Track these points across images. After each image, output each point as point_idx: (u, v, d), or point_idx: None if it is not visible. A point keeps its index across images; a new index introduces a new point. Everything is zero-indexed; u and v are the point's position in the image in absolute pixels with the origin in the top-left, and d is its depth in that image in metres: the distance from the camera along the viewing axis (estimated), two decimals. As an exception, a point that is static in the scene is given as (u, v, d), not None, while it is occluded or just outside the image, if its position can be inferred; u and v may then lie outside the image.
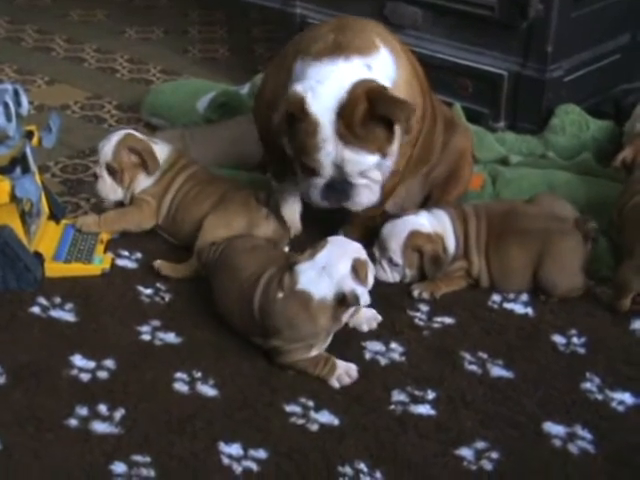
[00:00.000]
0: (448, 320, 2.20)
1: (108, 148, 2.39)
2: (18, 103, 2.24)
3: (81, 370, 1.99)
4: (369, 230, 2.43)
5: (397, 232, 2.27)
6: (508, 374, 2.04)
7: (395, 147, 2.14)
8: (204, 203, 2.36)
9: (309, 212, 2.47)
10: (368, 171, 2.12)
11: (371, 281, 1.98)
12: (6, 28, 4.07)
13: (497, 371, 2.04)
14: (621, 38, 3.20)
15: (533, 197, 2.44)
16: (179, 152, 2.49)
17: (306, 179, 2.16)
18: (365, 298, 1.89)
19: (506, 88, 2.97)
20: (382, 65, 2.16)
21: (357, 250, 1.98)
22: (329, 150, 2.07)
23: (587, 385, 2.01)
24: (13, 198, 2.16)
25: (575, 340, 2.15)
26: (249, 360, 2.04)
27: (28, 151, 2.30)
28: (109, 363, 2.01)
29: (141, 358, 2.03)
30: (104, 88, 3.47)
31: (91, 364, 2.01)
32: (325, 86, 2.06)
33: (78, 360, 2.02)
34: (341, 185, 2.13)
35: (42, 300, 2.20)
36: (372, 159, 2.09)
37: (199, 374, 1.99)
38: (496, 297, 2.29)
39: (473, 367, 2.06)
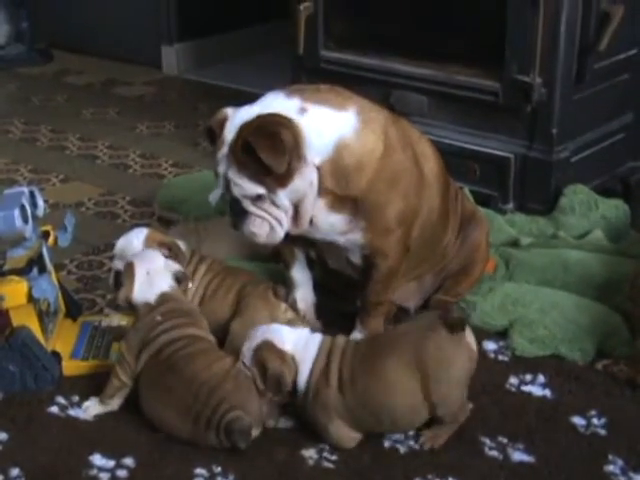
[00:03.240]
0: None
1: (138, 243, 2.34)
2: (34, 205, 2.29)
3: (100, 470, 1.98)
4: (384, 321, 2.44)
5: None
6: (529, 458, 2.02)
7: (295, 186, 2.17)
8: (224, 299, 2.35)
9: (324, 302, 2.50)
10: (259, 202, 2.18)
11: None
12: (22, 129, 4.16)
13: (518, 456, 2.03)
14: (624, 117, 3.24)
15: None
16: (191, 248, 2.50)
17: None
18: None
19: (513, 170, 3.01)
20: (328, 117, 2.20)
21: None
22: (223, 167, 2.18)
23: (610, 468, 1.99)
24: (31, 299, 2.19)
25: (595, 421, 2.14)
26: (267, 453, 2.02)
27: (44, 251, 2.33)
28: (128, 461, 2.00)
29: (160, 455, 2.02)
30: (117, 184, 3.53)
31: (110, 463, 2.00)
32: (247, 110, 2.20)
33: (97, 460, 2.01)
34: (237, 208, 2.20)
35: (60, 399, 2.21)
36: (254, 188, 2.15)
37: (219, 469, 1.98)
38: (513, 380, 2.29)
39: (494, 452, 2.04)
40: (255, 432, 2.02)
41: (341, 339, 2.10)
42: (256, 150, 2.10)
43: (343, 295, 2.52)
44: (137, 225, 3.10)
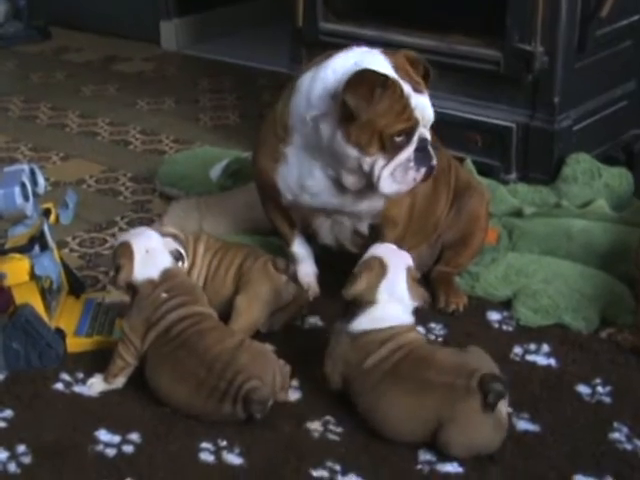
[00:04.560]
0: (471, 375, 2.19)
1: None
2: (35, 182, 2.28)
3: (106, 445, 1.99)
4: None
5: None
6: (534, 427, 2.02)
7: None
8: (226, 276, 2.34)
9: (325, 275, 2.49)
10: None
11: None
12: (21, 107, 4.15)
13: (523, 425, 2.03)
14: (627, 85, 3.22)
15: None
16: (185, 232, 2.44)
17: (393, 163, 2.15)
18: None
19: (515, 140, 2.99)
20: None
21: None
22: (416, 103, 2.15)
23: (615, 435, 1.99)
24: (33, 276, 2.19)
25: (600, 389, 2.14)
26: (273, 426, 2.03)
27: (46, 229, 2.32)
28: (134, 436, 2.01)
29: (166, 429, 2.03)
30: (118, 161, 3.51)
31: (116, 438, 2.00)
32: (367, 62, 2.15)
33: (103, 435, 2.01)
34: (424, 144, 2.18)
35: (65, 376, 2.21)
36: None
37: (224, 443, 1.98)
38: (518, 349, 2.29)
39: (499, 422, 2.04)
40: (270, 403, 2.02)
41: (412, 335, 2.03)
42: (424, 63, 2.27)
43: (341, 269, 2.51)
44: (138, 201, 3.12)
